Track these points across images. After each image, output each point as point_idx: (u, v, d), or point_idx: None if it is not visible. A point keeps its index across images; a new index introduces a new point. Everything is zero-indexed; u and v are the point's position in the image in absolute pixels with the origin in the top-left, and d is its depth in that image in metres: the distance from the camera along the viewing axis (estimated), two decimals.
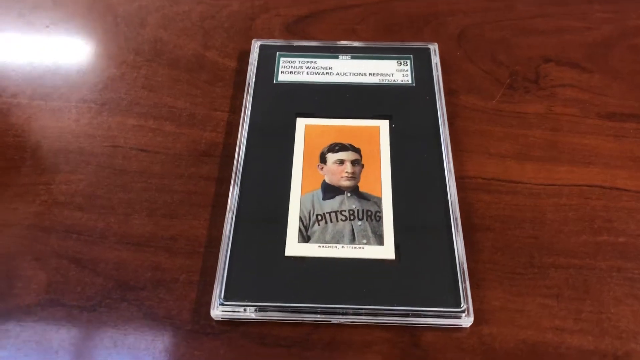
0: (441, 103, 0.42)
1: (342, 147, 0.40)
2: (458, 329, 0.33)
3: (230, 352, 0.33)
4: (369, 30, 0.50)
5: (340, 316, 0.33)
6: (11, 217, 0.38)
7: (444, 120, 0.41)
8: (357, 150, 0.40)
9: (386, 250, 0.35)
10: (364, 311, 0.33)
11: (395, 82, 0.44)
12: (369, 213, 0.37)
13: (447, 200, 0.37)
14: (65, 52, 0.49)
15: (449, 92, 0.44)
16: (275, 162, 0.39)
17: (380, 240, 0.36)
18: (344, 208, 0.37)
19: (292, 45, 0.46)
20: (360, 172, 0.39)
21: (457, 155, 0.41)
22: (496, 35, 0.49)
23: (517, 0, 0.52)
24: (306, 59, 0.45)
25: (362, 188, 0.38)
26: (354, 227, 0.36)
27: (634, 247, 0.37)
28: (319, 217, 0.37)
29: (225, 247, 0.35)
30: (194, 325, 0.34)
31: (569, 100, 0.44)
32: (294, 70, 0.45)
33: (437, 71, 0.44)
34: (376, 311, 0.33)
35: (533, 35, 0.49)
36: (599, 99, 0.44)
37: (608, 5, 0.51)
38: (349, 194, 0.38)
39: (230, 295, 0.34)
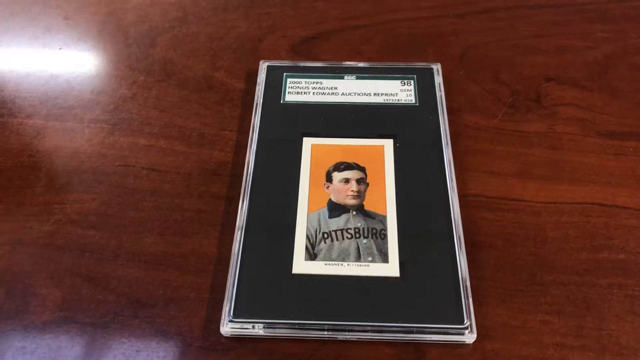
0: (444, 122, 0.43)
1: (347, 166, 0.41)
2: (461, 345, 0.34)
3: None
4: (374, 51, 0.51)
5: (347, 333, 0.34)
6: (26, 236, 0.39)
7: (447, 139, 0.42)
8: (362, 169, 0.41)
9: (391, 268, 0.36)
10: (369, 328, 0.34)
11: (399, 102, 0.45)
12: (374, 231, 0.38)
13: (451, 218, 0.38)
14: (78, 73, 0.50)
15: (451, 112, 0.45)
16: (283, 181, 0.41)
17: (385, 258, 0.37)
18: (349, 226, 0.38)
19: (299, 66, 0.48)
20: (365, 190, 0.40)
21: (460, 173, 0.42)
22: (498, 55, 0.50)
23: (520, 21, 0.53)
24: (312, 80, 0.47)
25: (367, 206, 0.39)
26: (359, 245, 0.37)
27: (634, 264, 0.37)
28: (325, 235, 0.38)
29: (234, 265, 0.36)
30: (204, 341, 0.35)
31: (570, 119, 0.45)
32: (300, 90, 0.46)
33: (440, 91, 0.45)
34: (381, 328, 0.34)
35: (535, 54, 0.50)
36: (600, 117, 0.45)
37: (609, 24, 0.52)
38: (354, 212, 0.39)
39: (239, 312, 0.35)
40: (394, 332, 0.34)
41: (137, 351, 0.35)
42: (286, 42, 0.52)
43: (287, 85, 0.46)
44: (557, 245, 0.38)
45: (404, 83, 0.46)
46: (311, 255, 0.37)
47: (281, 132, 0.43)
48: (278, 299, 0.35)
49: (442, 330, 0.34)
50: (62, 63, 0.51)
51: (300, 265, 0.37)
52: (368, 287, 0.36)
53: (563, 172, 0.42)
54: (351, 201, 0.39)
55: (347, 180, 0.40)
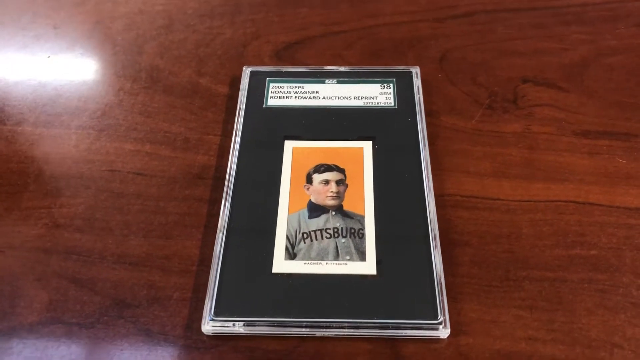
0: (422, 124, 0.44)
1: (327, 168, 0.42)
2: (436, 340, 0.35)
3: None
4: (355, 55, 0.52)
5: (325, 329, 0.35)
6: (14, 240, 0.41)
7: (424, 141, 0.43)
8: (341, 171, 0.42)
9: (368, 266, 0.37)
10: (346, 324, 0.35)
11: (379, 105, 0.46)
12: (353, 230, 0.39)
13: (427, 217, 0.39)
14: (66, 81, 0.51)
15: (430, 114, 0.46)
16: (264, 183, 0.42)
17: (362, 257, 0.38)
18: (328, 226, 0.39)
19: (281, 71, 0.49)
20: (344, 191, 0.41)
21: (438, 174, 0.43)
22: (476, 58, 0.51)
23: (498, 24, 0.54)
24: (294, 84, 0.48)
25: (346, 207, 0.40)
26: (338, 244, 0.38)
27: (604, 259, 0.38)
28: (305, 235, 0.39)
29: (216, 265, 0.37)
30: (186, 340, 0.36)
31: (546, 119, 0.46)
32: (282, 95, 0.47)
33: (419, 93, 0.47)
34: (358, 324, 0.35)
35: (512, 57, 0.51)
36: (575, 117, 0.46)
37: (584, 27, 0.53)
38: (333, 213, 0.40)
39: (220, 311, 0.36)
40: (370, 329, 0.35)
41: (122, 350, 0.36)
42: (270, 48, 0.53)
43: (270, 89, 0.47)
44: (531, 242, 0.39)
45: (384, 86, 0.47)
46: (291, 254, 0.38)
47: (263, 135, 0.45)
48: (258, 298, 0.36)
49: (416, 325, 0.35)
50: (51, 71, 0.52)
51: (280, 264, 0.38)
52: (346, 285, 0.37)
53: (538, 171, 0.43)
54: (330, 202, 0.41)
55: (326, 182, 0.42)
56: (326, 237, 0.39)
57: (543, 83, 0.49)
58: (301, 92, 0.47)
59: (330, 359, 0.35)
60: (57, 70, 0.52)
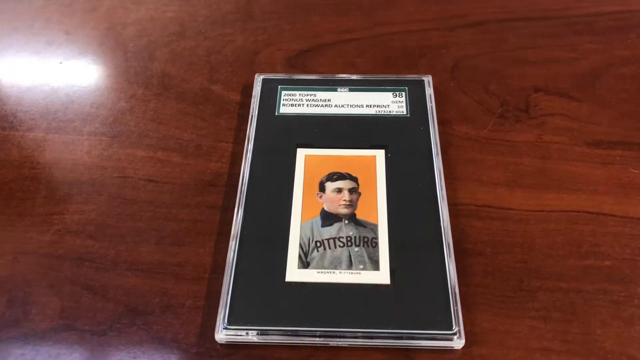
0: (435, 133, 0.44)
1: (340, 176, 0.42)
2: (450, 351, 0.35)
3: None
4: (367, 63, 0.52)
5: (338, 339, 0.35)
6: (27, 246, 0.40)
7: (437, 150, 0.43)
8: (354, 179, 0.42)
9: (382, 275, 0.37)
10: (360, 334, 0.35)
11: (391, 113, 0.46)
12: (366, 239, 0.39)
13: (440, 226, 0.39)
14: (77, 87, 0.51)
15: (442, 122, 0.46)
16: (277, 191, 0.42)
17: (376, 266, 0.38)
18: (341, 235, 0.39)
19: (293, 79, 0.49)
20: (357, 200, 0.41)
21: (450, 183, 0.43)
22: (488, 67, 0.51)
23: (509, 33, 0.54)
24: (306, 92, 0.48)
25: (359, 215, 0.40)
26: (351, 253, 0.38)
27: (619, 270, 0.38)
28: (318, 244, 0.39)
29: (229, 273, 0.37)
30: (199, 348, 0.36)
31: (558, 129, 0.46)
32: (294, 102, 0.47)
33: (431, 102, 0.47)
34: (372, 334, 0.35)
35: (524, 66, 0.51)
36: (587, 127, 0.46)
37: (596, 36, 0.53)
38: (346, 221, 0.40)
39: (234, 319, 0.35)
40: (384, 338, 0.35)
41: (134, 358, 0.35)
42: (282, 55, 0.53)
43: (282, 97, 0.47)
44: (545, 252, 0.39)
45: (396, 95, 0.47)
46: (304, 263, 0.38)
47: (276, 143, 0.45)
48: (271, 306, 0.36)
49: (431, 336, 0.35)
50: (63, 77, 0.52)
51: (294, 273, 0.37)
52: (359, 294, 0.36)
53: (551, 180, 0.43)
54: (343, 210, 0.40)
55: (339, 190, 0.41)
56: (339, 246, 0.39)
57: (555, 92, 0.49)
58: (313, 100, 0.47)
59: None
60: (69, 76, 0.52)
